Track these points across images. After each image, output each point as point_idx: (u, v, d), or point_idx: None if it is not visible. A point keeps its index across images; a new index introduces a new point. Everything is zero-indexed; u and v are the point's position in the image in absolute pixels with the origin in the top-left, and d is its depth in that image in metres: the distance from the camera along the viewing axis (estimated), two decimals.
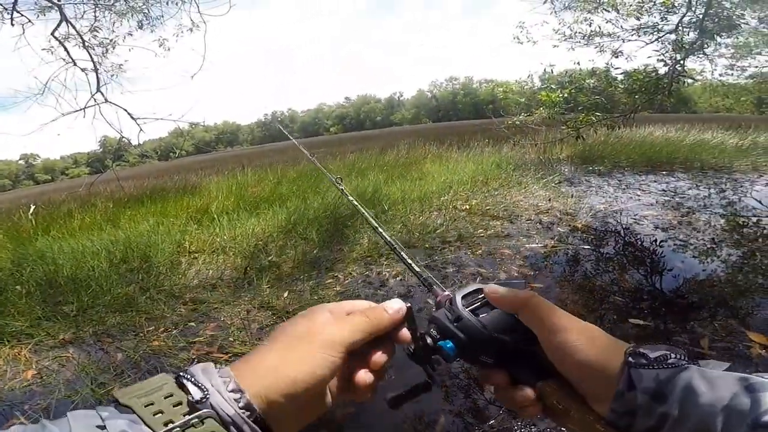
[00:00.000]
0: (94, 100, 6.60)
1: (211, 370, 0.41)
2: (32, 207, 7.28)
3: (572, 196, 6.06)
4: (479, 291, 0.53)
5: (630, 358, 0.42)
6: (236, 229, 5.14)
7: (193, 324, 3.12)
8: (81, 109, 6.38)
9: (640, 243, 4.19)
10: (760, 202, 5.38)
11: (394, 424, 1.98)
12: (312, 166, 9.87)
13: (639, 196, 6.06)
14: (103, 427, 0.34)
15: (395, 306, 0.50)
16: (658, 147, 9.67)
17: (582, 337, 0.45)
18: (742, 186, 6.40)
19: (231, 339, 2.83)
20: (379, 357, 0.48)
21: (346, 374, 0.47)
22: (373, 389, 0.49)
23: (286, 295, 3.44)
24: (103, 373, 2.57)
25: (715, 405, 0.36)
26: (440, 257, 3.99)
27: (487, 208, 5.58)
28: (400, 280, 3.60)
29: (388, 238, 0.76)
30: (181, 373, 0.40)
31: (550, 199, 5.87)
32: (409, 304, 0.51)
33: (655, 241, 4.17)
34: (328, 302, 0.51)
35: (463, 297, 0.52)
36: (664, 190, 6.31)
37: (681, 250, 3.90)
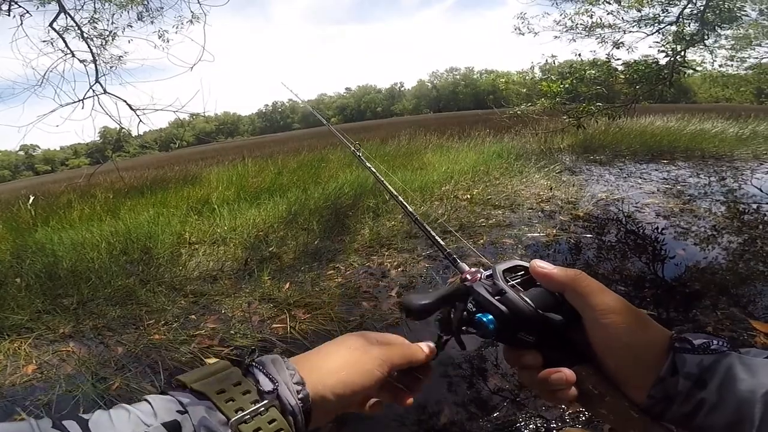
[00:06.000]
0: (93, 91, 6.54)
1: (280, 363, 0.46)
2: (31, 198, 7.26)
3: (574, 185, 6.03)
4: (519, 267, 0.52)
5: (676, 344, 0.42)
6: (237, 220, 5.12)
7: (193, 317, 3.10)
8: (80, 100, 6.32)
9: (641, 231, 4.18)
10: (760, 189, 5.36)
11: (398, 414, 1.97)
12: (312, 156, 9.89)
13: (640, 184, 6.04)
14: (184, 412, 0.37)
15: (428, 346, 0.57)
16: (659, 136, 9.64)
17: (630, 320, 0.44)
18: (742, 174, 6.38)
19: (232, 332, 2.81)
20: (416, 382, 0.57)
21: (386, 389, 0.56)
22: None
23: (287, 286, 3.42)
24: (103, 367, 2.56)
25: (755, 392, 0.36)
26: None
27: (489, 197, 5.56)
28: (402, 270, 3.59)
29: (410, 210, 0.77)
30: (254, 363, 0.45)
31: (551, 188, 5.84)
32: (434, 345, 0.56)
33: (657, 228, 4.16)
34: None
35: (503, 272, 0.51)
36: (665, 179, 6.29)
37: (682, 238, 3.88)
